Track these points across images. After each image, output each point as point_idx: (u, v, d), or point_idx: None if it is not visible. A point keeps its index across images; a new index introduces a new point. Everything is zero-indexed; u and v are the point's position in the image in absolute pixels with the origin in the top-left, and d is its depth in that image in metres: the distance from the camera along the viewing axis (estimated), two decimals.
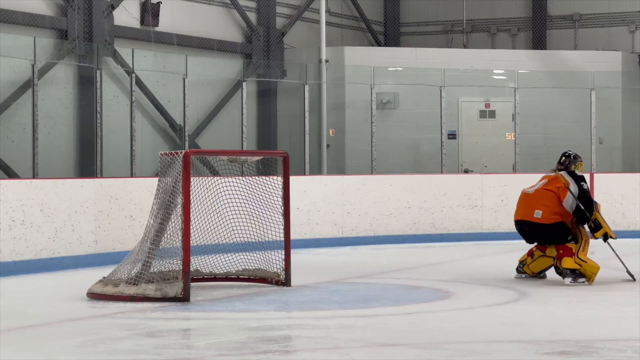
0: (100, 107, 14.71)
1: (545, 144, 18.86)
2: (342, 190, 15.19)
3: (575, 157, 11.00)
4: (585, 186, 10.64)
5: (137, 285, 9.29)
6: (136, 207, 12.65)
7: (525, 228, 10.63)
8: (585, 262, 10.41)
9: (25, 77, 14.23)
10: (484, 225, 15.84)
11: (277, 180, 10.57)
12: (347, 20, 21.41)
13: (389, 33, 22.40)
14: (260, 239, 10.51)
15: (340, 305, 9.11)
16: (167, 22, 17.12)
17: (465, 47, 21.91)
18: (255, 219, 10.58)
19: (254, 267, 10.49)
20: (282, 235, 10.44)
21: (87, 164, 14.97)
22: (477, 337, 7.45)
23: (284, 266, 10.36)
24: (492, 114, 18.91)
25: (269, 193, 10.56)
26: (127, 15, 16.42)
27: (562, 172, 10.74)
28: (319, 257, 13.56)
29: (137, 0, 16.67)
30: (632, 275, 10.61)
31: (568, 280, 10.35)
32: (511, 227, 15.88)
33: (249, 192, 10.56)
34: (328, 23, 19.24)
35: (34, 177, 13.25)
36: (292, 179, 10.90)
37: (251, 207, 10.55)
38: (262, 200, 10.58)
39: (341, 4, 21.24)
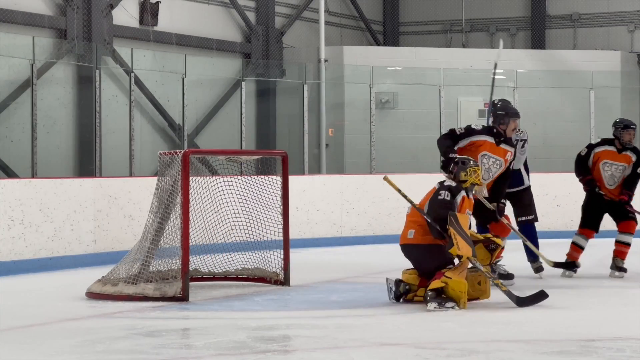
0: (99, 106, 14.70)
1: (544, 144, 18.85)
2: (341, 190, 15.19)
3: (466, 162, 9.24)
4: (442, 195, 9.00)
5: (136, 284, 9.29)
6: (135, 207, 12.64)
7: (405, 253, 9.21)
8: (450, 278, 8.70)
9: (24, 77, 14.23)
10: None
11: (276, 179, 10.57)
12: (346, 20, 21.42)
13: (388, 33, 22.40)
14: (259, 239, 10.52)
15: (339, 304, 9.10)
16: (166, 21, 17.12)
17: (464, 46, 21.91)
18: (254, 218, 10.58)
19: (252, 267, 10.49)
20: (281, 234, 10.44)
21: (86, 163, 14.97)
22: (476, 336, 7.45)
23: (282, 266, 10.36)
24: None
25: (268, 193, 10.56)
26: (126, 14, 16.42)
27: (438, 184, 9.26)
28: (318, 256, 13.56)
29: None
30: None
31: (432, 305, 8.61)
32: None
33: (248, 191, 10.57)
34: (327, 22, 19.23)
35: (33, 177, 13.25)
36: (291, 179, 10.90)
37: (250, 206, 10.56)
38: (261, 200, 10.58)
39: (340, 4, 21.24)
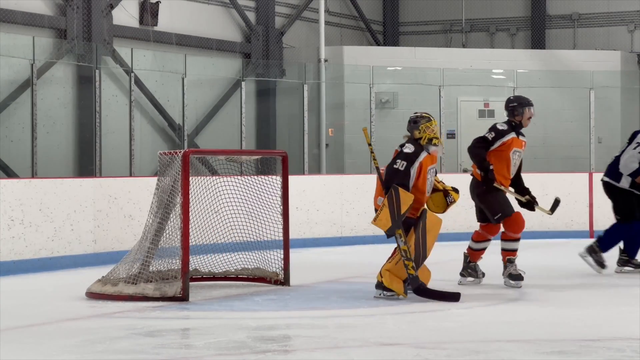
0: (99, 106, 14.70)
1: (544, 144, 18.86)
2: (341, 190, 15.19)
3: (418, 119, 9.40)
4: (397, 165, 9.09)
5: (136, 284, 9.29)
6: (135, 207, 12.64)
7: None
8: (385, 278, 9.14)
9: (24, 77, 14.23)
10: None
11: (276, 179, 10.57)
12: (346, 20, 21.42)
13: (388, 32, 22.40)
14: (259, 239, 10.53)
15: (339, 304, 9.10)
16: (166, 21, 17.12)
17: (464, 46, 21.91)
18: (254, 218, 10.59)
19: (252, 267, 10.49)
20: (281, 234, 10.44)
21: (86, 163, 14.97)
22: (476, 336, 7.45)
23: (282, 265, 10.36)
24: (492, 114, 18.91)
25: (268, 192, 10.56)
26: (126, 14, 16.42)
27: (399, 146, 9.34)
28: (318, 256, 13.56)
29: None
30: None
31: (377, 293, 9.24)
32: None
33: (248, 191, 10.57)
34: (327, 22, 19.23)
35: (33, 177, 13.25)
36: (291, 179, 10.90)
37: (250, 206, 10.56)
38: (261, 200, 10.58)
39: (340, 4, 21.24)
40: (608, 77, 18.92)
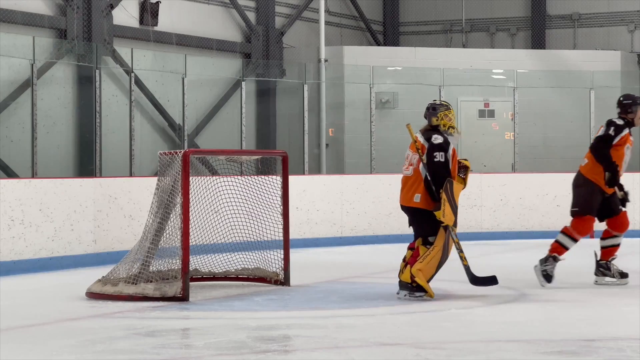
0: (100, 106, 14.70)
1: (544, 144, 18.86)
2: (341, 190, 15.19)
3: (437, 107, 9.26)
4: (437, 157, 9.04)
5: (136, 284, 9.29)
6: (135, 207, 12.64)
7: (407, 214, 9.40)
8: (419, 277, 9.01)
9: (24, 77, 14.23)
10: (484, 225, 15.84)
11: (276, 179, 10.57)
12: (346, 20, 21.41)
13: (388, 32, 22.40)
14: (259, 239, 10.53)
15: (339, 304, 9.11)
16: (166, 21, 17.12)
17: (464, 46, 21.91)
18: (255, 218, 10.59)
19: (253, 267, 10.49)
20: (281, 234, 10.44)
21: (86, 163, 14.97)
22: (476, 336, 7.45)
23: (283, 265, 10.36)
24: (492, 114, 18.91)
25: (268, 192, 10.57)
26: (126, 14, 16.42)
27: (420, 137, 9.23)
28: (318, 256, 13.56)
29: None
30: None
31: (402, 294, 9.15)
32: (511, 227, 15.97)
33: (248, 191, 10.57)
34: (327, 22, 19.23)
35: (33, 177, 13.25)
36: (291, 179, 10.90)
37: (250, 206, 10.57)
38: (261, 200, 10.58)
39: (340, 4, 21.24)
40: (608, 77, 18.92)
